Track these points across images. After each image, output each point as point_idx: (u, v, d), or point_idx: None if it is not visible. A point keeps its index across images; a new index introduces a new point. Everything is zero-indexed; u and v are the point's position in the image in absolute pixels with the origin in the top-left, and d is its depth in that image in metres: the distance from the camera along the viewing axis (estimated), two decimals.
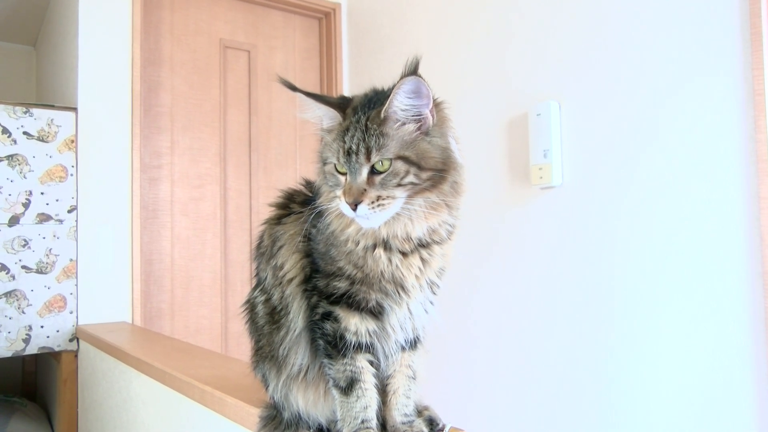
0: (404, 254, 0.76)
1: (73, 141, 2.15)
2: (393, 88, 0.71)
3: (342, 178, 0.73)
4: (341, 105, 0.76)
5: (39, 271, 2.06)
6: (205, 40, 2.60)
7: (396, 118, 0.71)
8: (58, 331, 2.09)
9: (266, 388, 0.90)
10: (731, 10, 1.41)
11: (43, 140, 2.09)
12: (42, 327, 2.06)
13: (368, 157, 0.70)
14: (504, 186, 1.98)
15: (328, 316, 0.78)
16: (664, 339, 1.54)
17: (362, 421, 0.76)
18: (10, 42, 3.34)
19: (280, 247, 0.84)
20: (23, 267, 2.03)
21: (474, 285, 2.07)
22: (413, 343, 0.83)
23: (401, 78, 0.69)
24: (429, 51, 2.35)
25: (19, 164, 2.04)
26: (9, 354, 2.00)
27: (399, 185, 0.71)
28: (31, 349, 2.03)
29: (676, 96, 1.53)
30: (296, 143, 2.82)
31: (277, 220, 0.87)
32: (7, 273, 2.00)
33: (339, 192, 0.73)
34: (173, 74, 2.51)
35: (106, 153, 2.23)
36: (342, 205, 0.72)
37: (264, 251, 0.88)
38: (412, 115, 0.72)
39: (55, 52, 2.73)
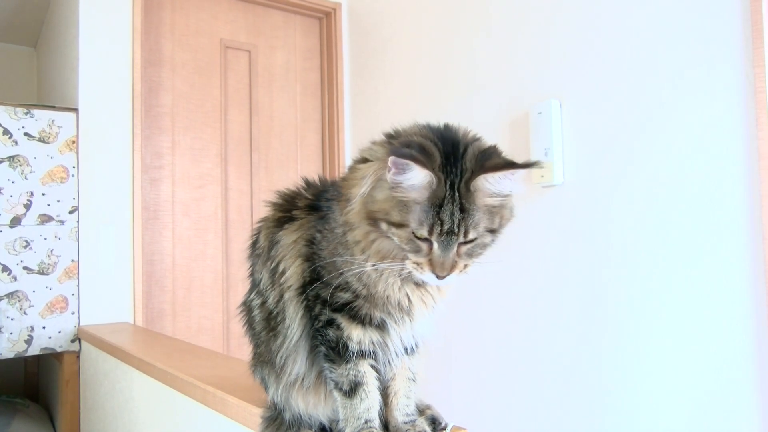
0: (418, 285, 0.76)
1: (74, 142, 2.15)
2: (481, 157, 0.68)
3: (423, 246, 0.68)
4: (428, 161, 0.67)
5: (40, 272, 2.06)
6: (205, 41, 2.60)
7: (486, 192, 0.69)
8: (59, 331, 2.09)
9: (266, 390, 0.90)
10: (732, 8, 1.41)
11: (44, 141, 2.09)
12: (44, 328, 2.06)
13: (465, 236, 0.68)
14: None
15: (331, 323, 0.77)
16: (666, 337, 1.54)
17: (366, 421, 0.76)
18: (11, 43, 3.34)
19: (283, 255, 0.82)
20: (25, 268, 2.03)
21: (475, 284, 2.07)
22: (413, 349, 0.84)
23: (503, 167, 0.67)
24: (429, 51, 2.35)
25: (20, 165, 2.04)
26: (11, 355, 2.00)
27: (482, 253, 0.71)
28: (33, 350, 2.03)
29: (676, 94, 1.52)
30: (297, 143, 2.82)
31: (276, 222, 0.85)
32: (8, 274, 2.00)
33: (421, 260, 0.69)
34: (174, 74, 2.51)
35: (107, 154, 2.23)
36: (425, 275, 0.69)
37: (260, 252, 0.87)
38: (500, 192, 0.70)
39: (56, 53, 2.73)
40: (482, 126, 2.12)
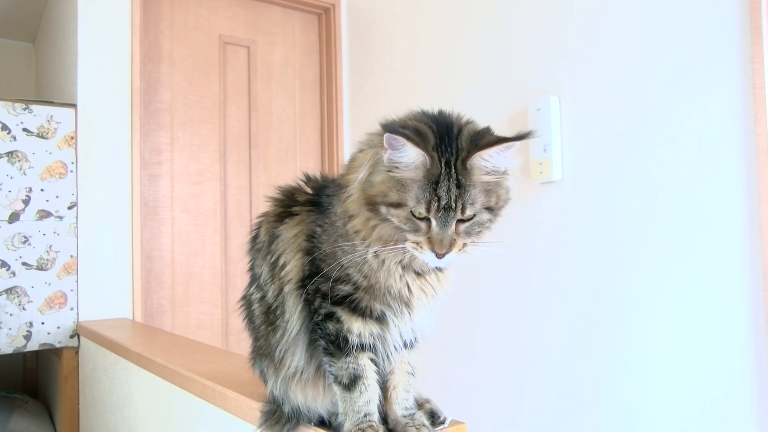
0: (419, 274, 0.77)
1: (72, 137, 2.15)
2: (476, 137, 0.70)
3: (422, 225, 0.69)
4: (422, 141, 0.69)
5: (39, 268, 2.06)
6: (204, 36, 2.60)
7: (482, 170, 0.70)
8: (58, 327, 2.09)
9: (265, 383, 0.90)
10: (731, 3, 1.41)
11: (42, 137, 2.09)
12: (43, 323, 2.06)
13: (463, 212, 0.69)
14: None
15: (330, 316, 0.78)
16: (664, 334, 1.54)
17: (365, 415, 0.76)
18: (10, 39, 3.33)
19: (283, 249, 0.82)
20: (23, 263, 2.03)
21: (474, 279, 2.07)
22: (412, 344, 0.84)
23: (496, 143, 0.68)
24: (428, 47, 2.35)
25: (19, 161, 2.04)
26: (10, 350, 2.00)
27: (480, 232, 0.72)
28: (32, 346, 2.03)
29: (675, 90, 1.53)
30: (296, 139, 2.82)
31: (276, 217, 0.86)
32: (7, 270, 2.00)
33: (420, 239, 0.69)
34: (173, 70, 2.50)
35: (105, 149, 2.23)
36: (425, 254, 0.70)
37: (260, 247, 0.87)
38: (495, 169, 0.71)
39: (55, 49, 2.73)
40: (482, 122, 2.12)
